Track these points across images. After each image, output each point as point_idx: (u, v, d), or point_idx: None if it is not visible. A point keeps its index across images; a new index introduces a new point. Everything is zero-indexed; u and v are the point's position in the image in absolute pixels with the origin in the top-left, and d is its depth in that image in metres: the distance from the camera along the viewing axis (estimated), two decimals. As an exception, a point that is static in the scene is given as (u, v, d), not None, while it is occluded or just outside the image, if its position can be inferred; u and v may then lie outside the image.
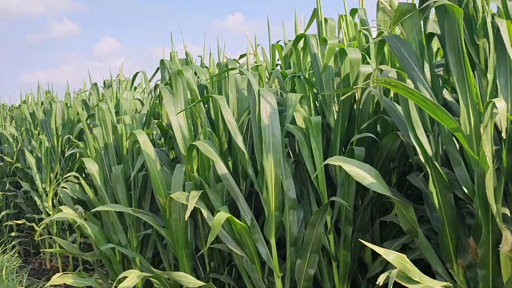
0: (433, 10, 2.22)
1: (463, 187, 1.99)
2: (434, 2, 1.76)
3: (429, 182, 2.00)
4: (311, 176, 2.39)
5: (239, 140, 2.49)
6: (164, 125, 3.49)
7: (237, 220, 2.46)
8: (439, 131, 2.05)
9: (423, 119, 2.09)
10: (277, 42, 4.01)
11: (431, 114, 1.71)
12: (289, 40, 4.19)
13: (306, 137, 2.43)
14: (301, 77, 2.71)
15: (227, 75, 3.07)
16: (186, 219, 2.49)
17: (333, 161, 1.93)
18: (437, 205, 2.04)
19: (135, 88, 5.71)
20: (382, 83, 1.68)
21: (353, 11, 3.01)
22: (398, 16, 1.99)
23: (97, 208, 3.03)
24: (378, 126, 2.69)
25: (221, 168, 2.53)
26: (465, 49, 1.80)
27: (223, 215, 2.42)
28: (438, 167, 1.99)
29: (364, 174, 1.91)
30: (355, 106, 2.65)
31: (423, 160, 1.99)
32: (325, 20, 2.81)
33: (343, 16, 2.93)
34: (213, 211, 2.61)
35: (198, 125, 3.10)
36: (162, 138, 3.71)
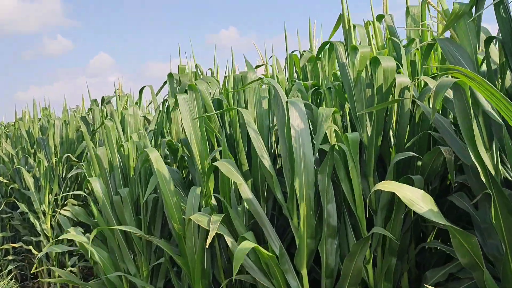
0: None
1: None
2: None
3: (492, 206, 1.76)
4: (347, 199, 2.15)
5: (266, 160, 2.24)
6: (174, 142, 3.24)
7: (265, 250, 2.20)
8: (500, 148, 1.82)
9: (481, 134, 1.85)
10: (293, 52, 3.79)
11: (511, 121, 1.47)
12: (304, 51, 3.97)
13: (340, 155, 2.18)
14: (332, 89, 2.47)
15: (243, 88, 2.84)
16: (207, 246, 2.23)
17: (385, 186, 1.68)
18: (498, 232, 1.79)
19: (136, 103, 5.46)
20: (459, 74, 1.42)
21: (379, 17, 2.79)
22: (454, 18, 1.76)
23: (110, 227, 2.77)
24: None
25: (246, 192, 2.28)
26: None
27: (248, 244, 2.16)
28: (502, 189, 1.75)
29: (418, 201, 1.67)
30: (386, 120, 2.42)
31: (484, 180, 1.74)
32: (353, 26, 2.58)
33: (370, 21, 2.71)
34: (236, 237, 2.36)
35: (214, 142, 2.85)
36: (170, 158, 3.45)
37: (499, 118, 1.75)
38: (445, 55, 1.83)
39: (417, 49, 2.54)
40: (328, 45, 2.85)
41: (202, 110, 2.75)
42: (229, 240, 2.29)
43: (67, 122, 5.26)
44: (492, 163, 1.84)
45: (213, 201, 2.64)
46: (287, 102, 2.13)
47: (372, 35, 2.72)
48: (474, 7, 1.83)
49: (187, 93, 2.68)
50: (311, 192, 2.11)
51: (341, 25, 2.67)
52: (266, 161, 2.24)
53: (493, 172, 1.75)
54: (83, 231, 3.86)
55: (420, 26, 2.74)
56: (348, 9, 2.46)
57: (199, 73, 3.54)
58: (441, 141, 2.10)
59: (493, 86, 1.37)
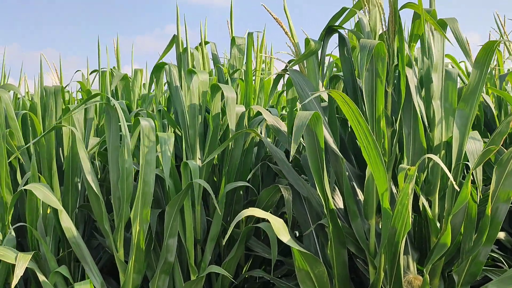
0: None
1: (360, 242, 1.88)
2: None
3: (329, 237, 1.83)
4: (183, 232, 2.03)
5: (93, 183, 1.98)
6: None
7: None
8: (337, 182, 1.93)
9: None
10: (93, 71, 3.60)
11: (365, 153, 1.57)
12: (114, 67, 3.76)
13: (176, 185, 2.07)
14: (161, 111, 2.35)
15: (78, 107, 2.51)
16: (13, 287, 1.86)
17: (254, 212, 1.65)
18: (331, 261, 1.88)
19: None
20: (336, 95, 1.49)
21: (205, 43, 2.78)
22: (307, 54, 1.83)
23: None
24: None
25: (66, 221, 1.98)
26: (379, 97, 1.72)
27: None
28: (338, 221, 1.84)
29: (282, 230, 1.67)
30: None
31: (326, 213, 1.81)
32: (185, 49, 2.51)
33: (199, 47, 2.68)
34: (47, 274, 2.04)
35: (16, 164, 2.45)
36: None
37: (339, 152, 1.86)
38: (294, 86, 1.89)
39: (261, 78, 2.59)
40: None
41: (4, 124, 2.36)
42: (41, 277, 1.95)
43: None
44: (331, 197, 1.94)
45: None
46: (138, 119, 1.93)
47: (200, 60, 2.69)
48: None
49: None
50: (145, 224, 1.94)
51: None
52: (94, 186, 1.99)
53: (331, 206, 1.83)
54: None
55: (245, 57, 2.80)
56: (186, 31, 2.39)
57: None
58: (278, 173, 2.14)
59: (360, 111, 1.47)
